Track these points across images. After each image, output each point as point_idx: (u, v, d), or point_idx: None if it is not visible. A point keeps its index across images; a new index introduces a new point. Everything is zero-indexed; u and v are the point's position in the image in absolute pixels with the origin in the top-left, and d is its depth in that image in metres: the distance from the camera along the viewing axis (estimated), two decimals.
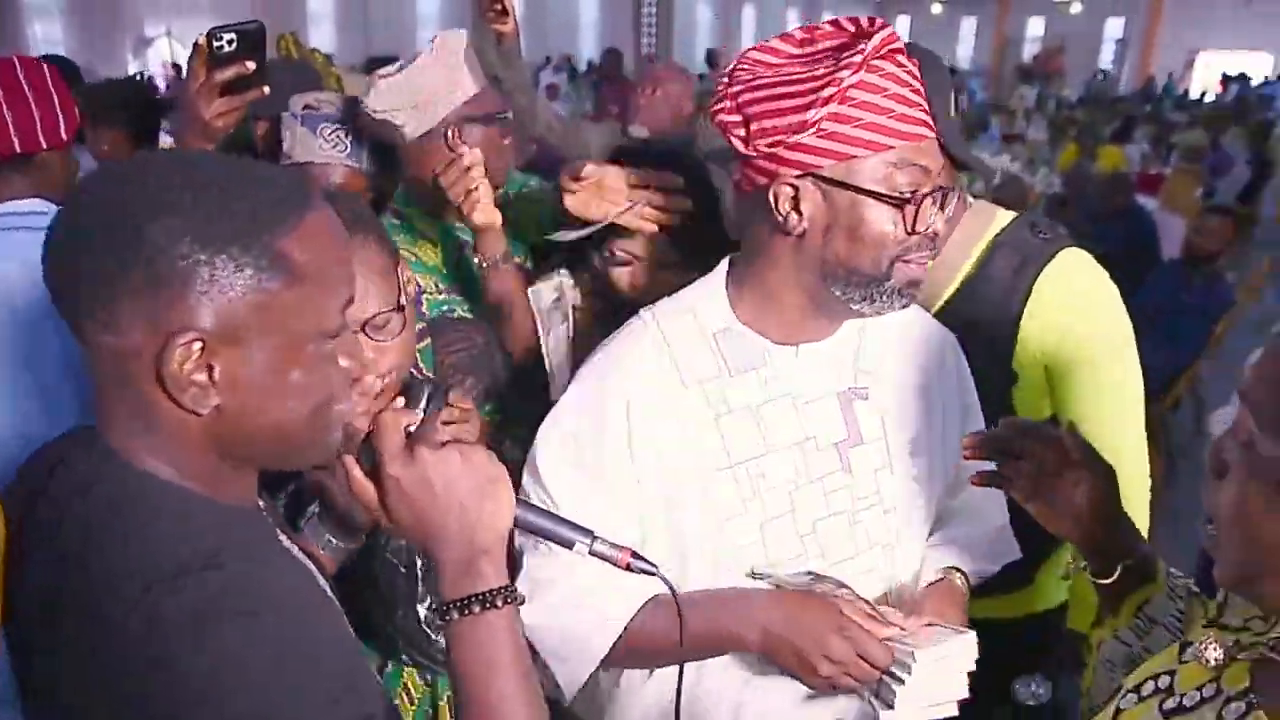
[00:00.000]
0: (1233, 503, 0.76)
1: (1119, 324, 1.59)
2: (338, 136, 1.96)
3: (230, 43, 1.45)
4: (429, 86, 1.90)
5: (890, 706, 1.13)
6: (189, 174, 0.76)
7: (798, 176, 1.08)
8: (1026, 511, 1.65)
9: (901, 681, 1.12)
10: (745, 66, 1.14)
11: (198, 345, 0.74)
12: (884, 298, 1.13)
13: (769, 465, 1.19)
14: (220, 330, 0.74)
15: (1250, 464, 0.74)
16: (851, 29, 1.12)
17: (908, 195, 1.08)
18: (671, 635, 1.09)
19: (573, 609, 1.18)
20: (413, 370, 1.47)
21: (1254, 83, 17.25)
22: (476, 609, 0.85)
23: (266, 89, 1.53)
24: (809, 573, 1.18)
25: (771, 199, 1.10)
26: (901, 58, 1.09)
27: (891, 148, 1.07)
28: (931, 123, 1.10)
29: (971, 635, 1.17)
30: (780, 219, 1.10)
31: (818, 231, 1.10)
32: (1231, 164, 8.83)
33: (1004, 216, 1.60)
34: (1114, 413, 1.56)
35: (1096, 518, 1.07)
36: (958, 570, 1.31)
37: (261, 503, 0.90)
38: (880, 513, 1.25)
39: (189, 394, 0.75)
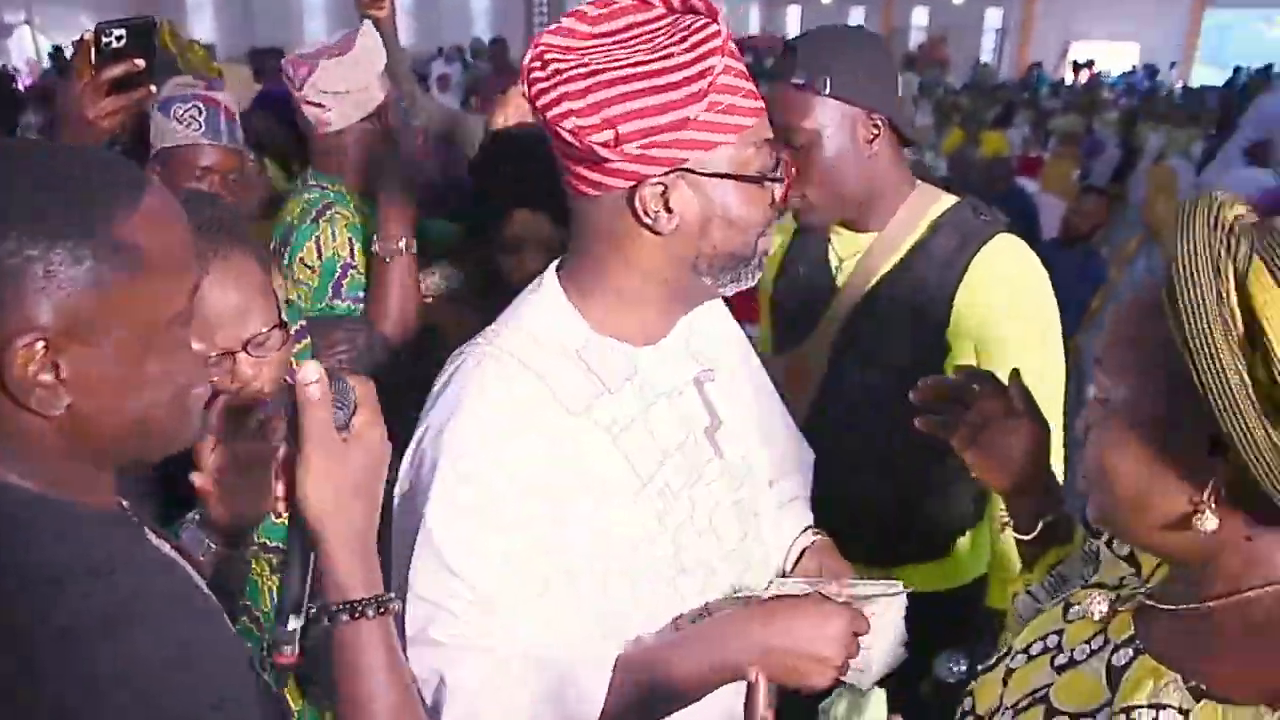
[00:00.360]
0: (1092, 450, 0.81)
1: (1041, 309, 1.65)
2: (191, 115, 1.90)
3: (119, 39, 1.38)
4: (364, 78, 1.98)
5: (864, 670, 1.16)
6: (8, 165, 0.71)
7: (665, 173, 1.03)
8: (945, 487, 1.71)
9: (869, 648, 1.15)
10: (564, 57, 1.04)
11: (40, 345, 0.69)
12: (748, 274, 1.13)
13: (669, 473, 1.16)
14: (64, 327, 0.70)
15: (1103, 412, 0.79)
16: (657, 2, 1.07)
17: (772, 174, 1.08)
18: (658, 694, 1.07)
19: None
20: (286, 378, 1.44)
21: (1106, 69, 18.11)
22: (370, 613, 0.82)
23: (154, 88, 1.48)
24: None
25: (638, 200, 1.04)
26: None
27: (748, 127, 1.05)
28: (756, 91, 1.08)
29: (899, 584, 1.22)
30: (649, 219, 1.05)
31: (693, 225, 1.06)
32: (1104, 147, 9.27)
33: (947, 199, 1.69)
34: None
35: (1027, 468, 1.11)
36: (812, 527, 1.38)
37: (125, 504, 0.86)
38: (750, 486, 1.27)
39: (35, 397, 0.71)
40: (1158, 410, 0.76)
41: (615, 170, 1.03)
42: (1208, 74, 19.40)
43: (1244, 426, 0.67)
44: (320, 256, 1.93)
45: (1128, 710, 0.78)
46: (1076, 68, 17.74)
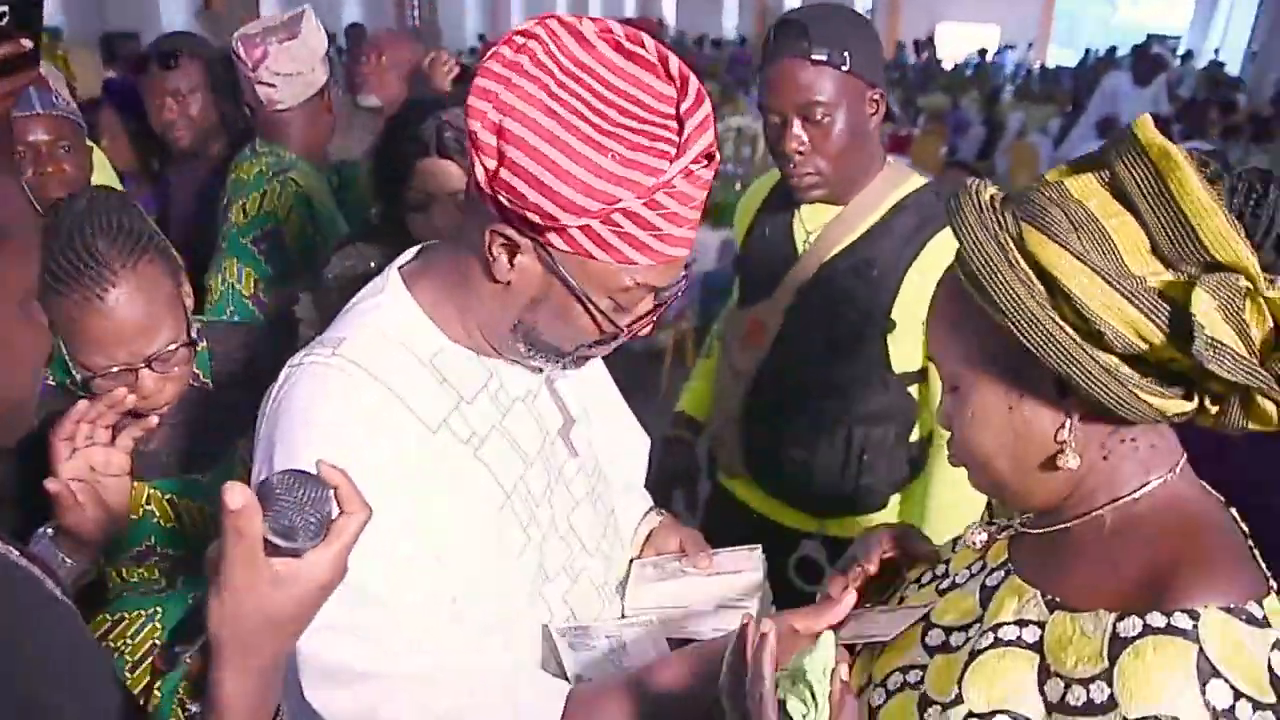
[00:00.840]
0: (960, 438, 0.88)
1: None
2: None
3: (1, 16, 1.26)
4: (311, 60, 2.16)
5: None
6: None
7: (522, 234, 0.92)
8: (881, 448, 1.80)
9: (748, 606, 1.18)
10: (541, 59, 0.89)
11: None
12: (560, 365, 1.06)
13: (531, 480, 1.10)
14: None
15: (955, 399, 0.87)
16: (675, 93, 0.90)
17: (626, 316, 0.98)
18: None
19: None
20: (192, 381, 1.38)
21: (973, 51, 18.89)
22: None
23: (43, 67, 1.38)
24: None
25: (488, 234, 0.93)
26: (704, 165, 0.91)
27: (637, 265, 0.92)
28: (691, 241, 0.96)
29: (759, 548, 1.26)
30: (490, 257, 0.95)
31: (523, 294, 0.97)
32: (969, 125, 9.68)
33: (915, 180, 1.77)
34: None
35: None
36: (654, 508, 1.39)
37: None
38: (605, 483, 1.26)
39: None
40: (1002, 379, 0.82)
41: (486, 196, 0.91)
42: (1062, 55, 20.46)
43: (1075, 362, 0.73)
44: (260, 209, 2.07)
45: (996, 628, 0.85)
46: (918, 47, 18.45)
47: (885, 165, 1.77)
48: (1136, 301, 0.71)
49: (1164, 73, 8.50)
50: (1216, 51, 18.20)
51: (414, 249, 1.12)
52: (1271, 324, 0.70)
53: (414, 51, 3.11)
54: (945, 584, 0.98)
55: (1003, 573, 0.91)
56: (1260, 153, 6.75)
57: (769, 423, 1.86)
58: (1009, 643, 0.83)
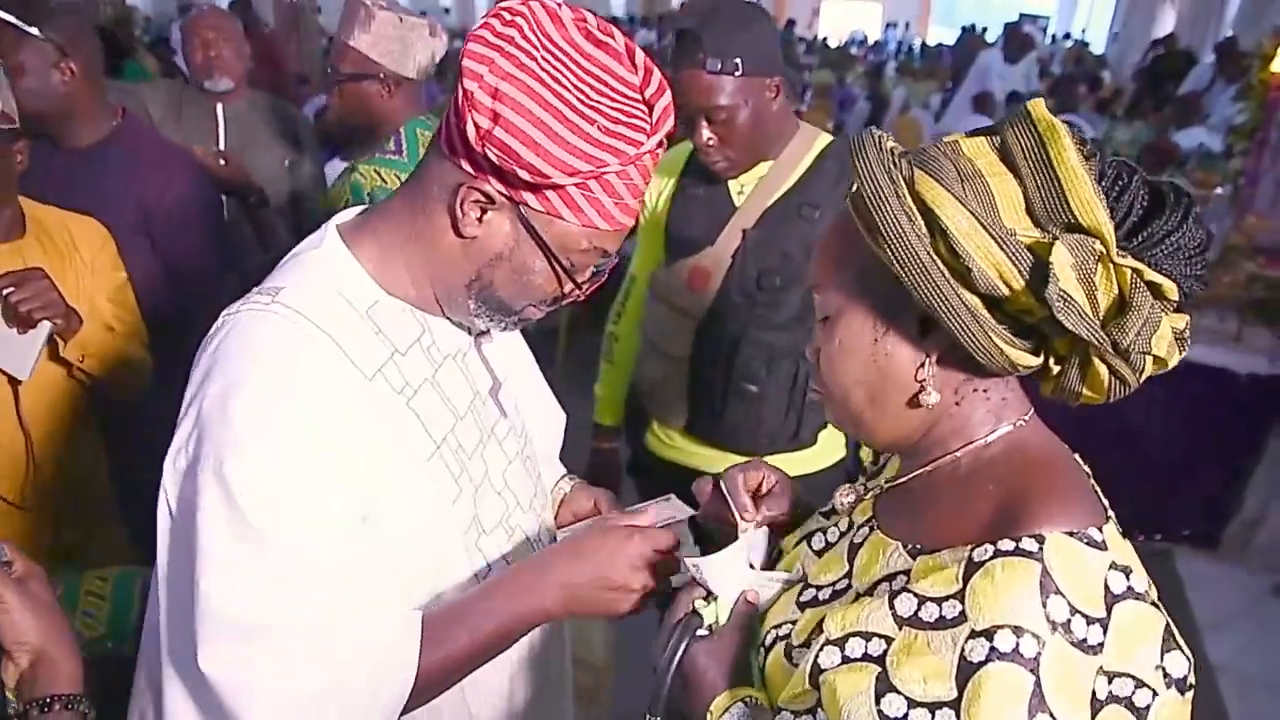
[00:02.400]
0: (826, 368, 0.92)
1: None
2: None
3: None
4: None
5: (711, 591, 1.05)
6: None
7: (500, 192, 0.98)
8: (802, 384, 1.94)
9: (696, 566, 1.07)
10: (530, 32, 0.97)
11: None
12: (502, 325, 1.11)
13: (461, 433, 1.13)
14: None
15: (826, 330, 0.91)
16: (639, 83, 1.02)
17: (579, 276, 1.05)
18: (473, 650, 1.03)
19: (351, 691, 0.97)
20: None
21: (859, 28, 19.28)
22: (83, 708, 0.86)
23: None
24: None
25: (461, 191, 0.99)
26: (662, 148, 1.02)
27: (599, 230, 1.01)
28: (638, 211, 1.05)
29: (670, 495, 1.27)
30: (459, 214, 1.00)
31: (487, 250, 1.02)
32: (855, 100, 9.89)
33: (826, 136, 2.03)
34: None
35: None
36: (567, 474, 1.42)
37: None
38: (531, 446, 1.29)
39: None
40: (872, 311, 0.86)
41: (468, 153, 0.97)
42: (943, 33, 21.11)
43: (942, 297, 0.78)
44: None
45: (873, 587, 0.88)
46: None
47: (799, 126, 1.99)
48: (1004, 247, 0.76)
49: (1033, 51, 8.84)
50: (1084, 31, 19.05)
51: (357, 208, 1.14)
52: (1117, 291, 0.75)
53: (233, 27, 3.11)
54: (819, 544, 1.02)
55: (867, 529, 0.95)
56: (1125, 127, 7.10)
57: (718, 359, 2.01)
58: (870, 593, 0.87)
